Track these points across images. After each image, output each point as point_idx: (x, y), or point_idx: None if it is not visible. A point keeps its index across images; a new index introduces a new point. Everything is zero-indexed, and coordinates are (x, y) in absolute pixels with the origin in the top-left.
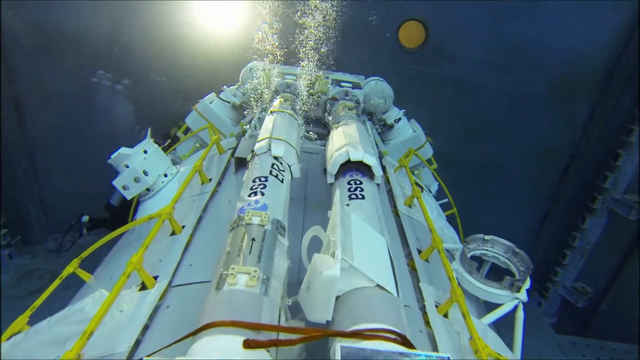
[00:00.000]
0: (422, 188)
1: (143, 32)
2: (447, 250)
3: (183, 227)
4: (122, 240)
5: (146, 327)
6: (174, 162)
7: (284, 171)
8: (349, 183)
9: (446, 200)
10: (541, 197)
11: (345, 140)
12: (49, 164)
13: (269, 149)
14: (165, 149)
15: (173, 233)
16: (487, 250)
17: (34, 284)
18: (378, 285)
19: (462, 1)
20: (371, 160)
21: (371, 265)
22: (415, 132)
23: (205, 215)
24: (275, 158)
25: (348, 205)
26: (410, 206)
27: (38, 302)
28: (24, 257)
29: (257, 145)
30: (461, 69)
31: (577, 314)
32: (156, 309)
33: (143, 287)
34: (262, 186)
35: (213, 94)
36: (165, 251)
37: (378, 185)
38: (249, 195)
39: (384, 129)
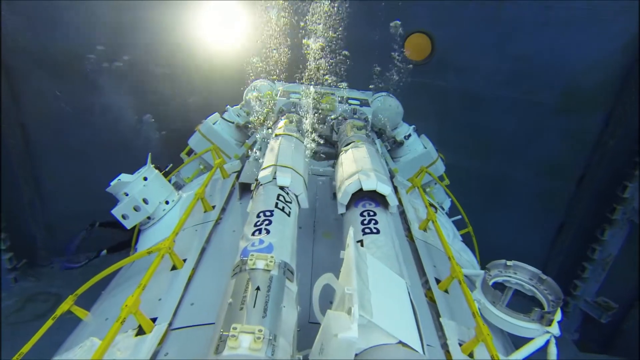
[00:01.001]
0: (435, 208)
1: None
2: (467, 277)
3: (184, 260)
4: (121, 273)
5: None
6: (178, 185)
7: (290, 202)
8: (362, 215)
9: (459, 217)
10: (555, 209)
11: (357, 167)
12: (53, 185)
13: (274, 178)
14: (167, 174)
15: (174, 267)
16: (510, 276)
17: (39, 308)
18: (401, 342)
19: (468, 12)
20: (385, 190)
21: (392, 319)
22: (426, 148)
23: (209, 246)
24: (282, 188)
25: (362, 241)
26: (425, 230)
27: (26, 348)
28: (29, 280)
29: (261, 174)
30: (469, 81)
31: (600, 330)
32: (154, 355)
33: (140, 330)
34: (267, 222)
35: (217, 114)
36: (165, 289)
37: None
38: (253, 234)
39: (394, 146)
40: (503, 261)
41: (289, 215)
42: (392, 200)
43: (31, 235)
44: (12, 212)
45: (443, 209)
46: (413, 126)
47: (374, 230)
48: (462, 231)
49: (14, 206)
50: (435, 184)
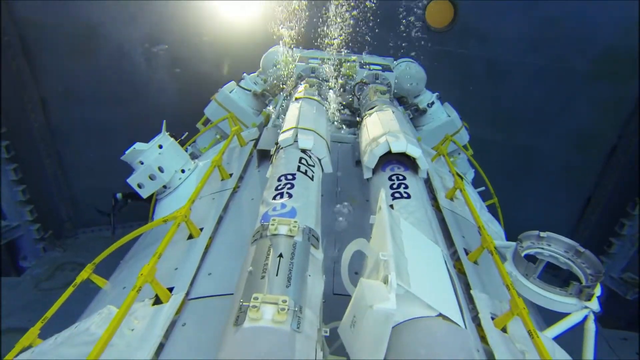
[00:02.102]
0: (461, 178)
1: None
2: (497, 250)
3: (201, 229)
4: (139, 241)
5: (161, 347)
6: (194, 156)
7: (313, 166)
8: (390, 179)
9: (484, 188)
10: (583, 182)
11: (384, 129)
12: (76, 160)
13: (296, 141)
14: (183, 142)
15: (191, 236)
16: (543, 248)
17: (68, 276)
18: (441, 315)
19: None
20: (416, 152)
21: (431, 289)
22: (450, 116)
23: (226, 215)
24: (303, 151)
25: (392, 206)
26: (452, 199)
27: (49, 313)
28: (57, 250)
29: (281, 137)
30: (493, 48)
31: (626, 307)
32: (172, 325)
33: (157, 300)
34: (289, 185)
35: (233, 82)
36: (182, 258)
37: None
38: (274, 198)
39: (416, 114)
40: (536, 232)
41: (312, 179)
42: (423, 164)
43: (56, 208)
44: (36, 186)
45: (467, 179)
46: (437, 93)
47: (405, 195)
48: (488, 202)
49: (38, 180)
50: (459, 153)
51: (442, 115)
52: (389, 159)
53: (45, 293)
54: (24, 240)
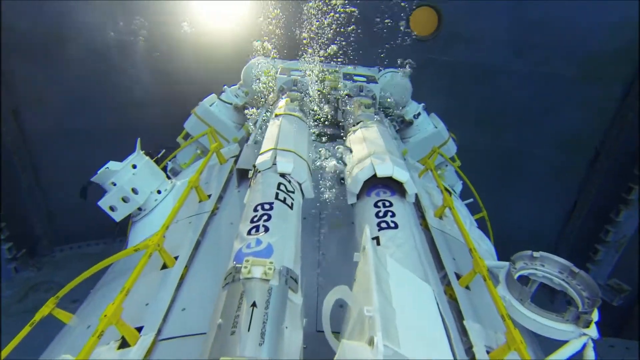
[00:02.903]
0: (450, 193)
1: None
2: (490, 271)
3: (176, 258)
4: (110, 269)
5: None
6: (174, 171)
7: (293, 192)
8: (376, 205)
9: (472, 200)
10: (568, 187)
11: (368, 149)
12: (53, 173)
13: (274, 164)
14: (160, 161)
15: (165, 265)
16: (536, 269)
17: (41, 298)
18: None
19: None
20: (403, 176)
21: (422, 341)
22: (436, 127)
23: (204, 240)
24: (282, 175)
25: (378, 238)
26: (441, 218)
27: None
28: (30, 270)
29: (259, 159)
30: (478, 53)
31: (612, 313)
32: None
33: (124, 342)
34: (265, 217)
35: (213, 95)
36: (154, 290)
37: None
38: (249, 232)
39: (402, 126)
40: (529, 252)
41: (291, 207)
42: (411, 188)
43: (31, 224)
44: (10, 201)
45: (454, 191)
46: (422, 104)
47: (392, 225)
48: (477, 216)
49: (12, 195)
50: (447, 165)
51: (428, 127)
52: (375, 182)
53: (16, 318)
54: None
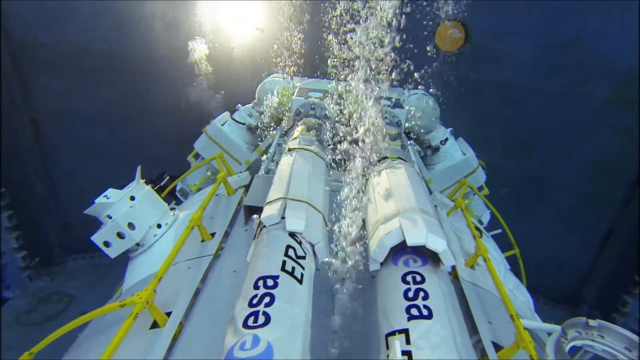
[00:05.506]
0: (480, 232)
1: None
2: (531, 333)
3: (168, 314)
4: (92, 324)
5: None
6: (183, 192)
7: (304, 258)
8: (404, 280)
9: (500, 231)
10: (602, 214)
11: (396, 205)
12: (68, 183)
13: (283, 217)
14: (163, 188)
15: (155, 324)
16: (593, 341)
17: (52, 308)
18: None
19: None
20: (439, 245)
21: None
22: (465, 154)
23: (203, 290)
24: (292, 235)
25: (407, 331)
26: (473, 267)
27: None
28: (43, 279)
29: (265, 212)
30: (506, 72)
31: None
32: None
33: None
34: (267, 298)
35: (226, 113)
36: (142, 354)
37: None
38: (245, 323)
39: (428, 152)
40: (584, 319)
41: (300, 281)
42: (448, 260)
43: (45, 233)
44: (25, 210)
45: (482, 223)
46: (450, 129)
47: (425, 313)
48: (507, 254)
49: (27, 204)
50: (474, 194)
51: (456, 154)
52: (403, 245)
53: (23, 329)
54: (8, 269)
